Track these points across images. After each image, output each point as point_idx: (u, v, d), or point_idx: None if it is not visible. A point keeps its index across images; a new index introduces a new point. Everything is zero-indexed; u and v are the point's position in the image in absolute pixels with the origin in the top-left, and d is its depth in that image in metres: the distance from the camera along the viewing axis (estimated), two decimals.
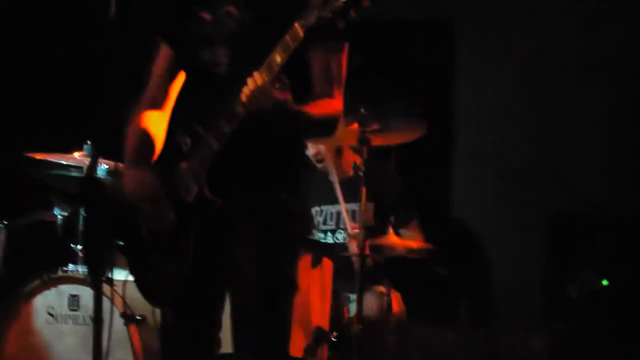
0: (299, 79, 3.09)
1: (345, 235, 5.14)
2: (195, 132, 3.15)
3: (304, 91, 3.16)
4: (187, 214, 3.17)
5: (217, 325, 3.29)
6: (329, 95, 3.20)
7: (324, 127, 3.25)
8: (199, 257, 3.18)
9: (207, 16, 3.22)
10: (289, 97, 3.00)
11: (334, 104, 3.21)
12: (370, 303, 4.97)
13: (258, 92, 2.95)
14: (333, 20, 2.89)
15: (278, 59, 2.95)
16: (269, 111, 3.00)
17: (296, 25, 2.92)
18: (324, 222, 5.27)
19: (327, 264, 4.59)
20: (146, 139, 3.29)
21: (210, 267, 3.21)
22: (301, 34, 2.91)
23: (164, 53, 3.36)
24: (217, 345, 3.31)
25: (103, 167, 4.72)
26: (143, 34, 3.27)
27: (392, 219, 4.92)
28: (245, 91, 2.96)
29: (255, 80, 2.94)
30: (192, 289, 3.22)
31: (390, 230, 4.83)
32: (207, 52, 3.21)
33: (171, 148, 3.26)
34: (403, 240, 4.94)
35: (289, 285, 3.24)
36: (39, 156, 4.85)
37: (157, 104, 3.37)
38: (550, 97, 6.26)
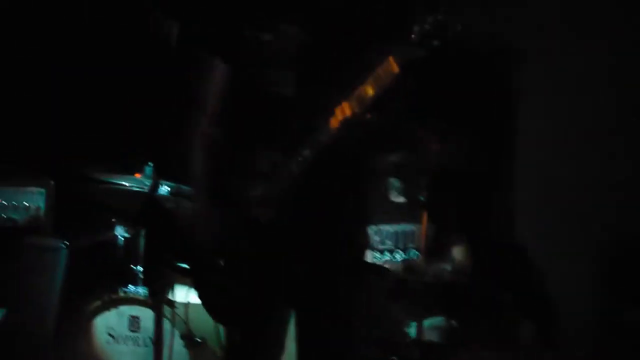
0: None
1: (403, 255, 5.12)
2: (273, 156, 3.13)
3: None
4: (259, 237, 3.15)
5: (281, 347, 3.28)
6: None
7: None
8: (269, 280, 3.16)
9: (265, 36, 3.22)
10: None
11: None
12: (430, 330, 4.93)
13: (349, 124, 2.92)
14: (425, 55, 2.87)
15: (370, 92, 2.90)
16: (358, 138, 2.98)
17: (390, 59, 2.87)
18: (382, 242, 5.24)
19: (382, 287, 4.57)
20: (215, 161, 3.30)
21: (279, 290, 3.20)
22: (396, 69, 2.86)
23: (222, 73, 3.36)
24: None
25: (164, 188, 4.74)
26: (202, 54, 3.26)
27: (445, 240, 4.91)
28: (334, 122, 2.93)
29: (344, 111, 2.90)
30: (257, 309, 3.21)
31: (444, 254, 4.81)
32: (269, 73, 3.20)
33: (246, 170, 3.25)
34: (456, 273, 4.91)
35: (353, 310, 3.22)
36: (100, 176, 4.88)
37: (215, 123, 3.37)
38: (609, 124, 6.18)
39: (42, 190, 4.96)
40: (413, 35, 2.82)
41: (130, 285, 4.77)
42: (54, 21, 5.95)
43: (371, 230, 5.22)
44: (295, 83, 3.15)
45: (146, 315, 4.65)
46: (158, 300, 4.56)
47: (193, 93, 3.30)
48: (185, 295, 4.68)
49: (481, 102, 6.25)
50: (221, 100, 3.36)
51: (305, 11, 3.17)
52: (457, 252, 5.08)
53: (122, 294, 4.74)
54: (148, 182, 4.74)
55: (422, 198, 4.63)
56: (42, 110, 5.91)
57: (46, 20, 5.94)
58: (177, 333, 4.52)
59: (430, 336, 4.89)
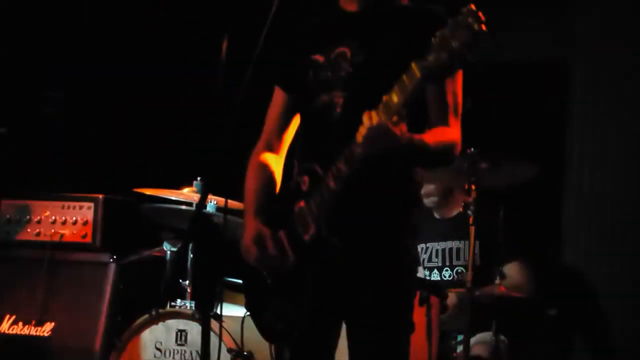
0: (415, 108, 3.05)
1: (452, 272, 5.10)
2: (314, 173, 3.14)
3: (421, 120, 3.15)
4: (305, 254, 3.15)
5: None
6: (444, 123, 3.17)
7: (442, 156, 3.19)
8: (317, 297, 3.16)
9: (321, 59, 3.23)
10: (404, 127, 2.96)
11: (449, 132, 3.16)
12: (478, 345, 4.90)
13: (374, 131, 2.92)
14: (452, 63, 2.85)
15: (395, 99, 2.90)
16: (387, 149, 2.97)
17: (413, 65, 2.88)
18: (429, 260, 5.23)
19: (434, 302, 4.54)
20: (266, 182, 3.32)
21: (327, 308, 3.19)
22: (418, 74, 2.86)
23: (280, 98, 3.39)
24: None
25: (212, 203, 4.76)
26: (260, 78, 3.29)
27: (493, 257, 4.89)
28: (362, 131, 2.94)
29: (371, 120, 2.91)
30: (309, 329, 3.20)
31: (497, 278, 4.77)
32: (324, 96, 3.21)
33: (290, 188, 3.27)
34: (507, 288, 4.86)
35: (408, 327, 3.21)
36: (149, 192, 4.92)
37: (272, 148, 3.40)
38: None
39: (91, 204, 5.00)
40: (434, 41, 2.81)
41: (178, 299, 4.80)
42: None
43: (419, 247, 5.22)
44: (344, 102, 3.17)
45: (193, 329, 4.66)
46: (205, 314, 4.58)
47: (250, 114, 3.32)
48: (233, 309, 4.70)
49: (529, 119, 6.22)
50: (279, 123, 3.40)
51: (359, 35, 3.20)
52: (507, 269, 5.04)
53: (169, 308, 4.77)
54: (196, 197, 4.78)
55: (470, 214, 4.60)
56: (92, 125, 5.97)
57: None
58: (224, 347, 4.53)
59: (478, 351, 4.86)
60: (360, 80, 3.15)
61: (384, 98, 2.91)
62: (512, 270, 5.08)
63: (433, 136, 3.11)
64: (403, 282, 3.21)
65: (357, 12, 3.25)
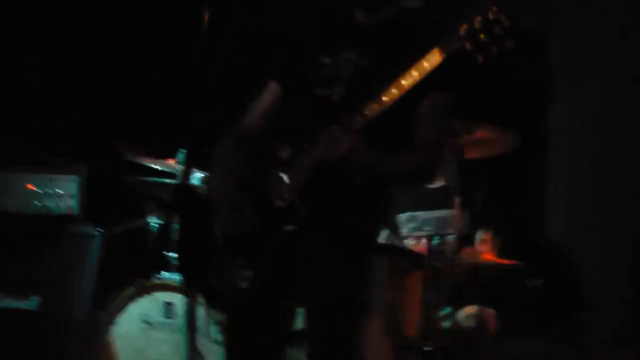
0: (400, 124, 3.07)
1: (440, 241, 5.12)
2: (298, 145, 3.14)
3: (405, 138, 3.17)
4: (272, 218, 3.16)
5: (284, 338, 3.28)
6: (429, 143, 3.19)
7: (415, 177, 3.24)
8: (275, 266, 3.16)
9: (326, 60, 3.24)
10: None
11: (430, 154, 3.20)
12: (464, 317, 4.93)
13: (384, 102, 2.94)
14: (472, 54, 2.86)
15: (410, 80, 2.92)
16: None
17: (436, 50, 2.88)
18: (420, 228, 5.24)
19: (417, 273, 4.55)
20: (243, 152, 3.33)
21: (283, 278, 3.20)
22: (440, 58, 2.87)
23: (274, 91, 3.39)
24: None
25: (197, 175, 4.74)
26: (257, 68, 3.28)
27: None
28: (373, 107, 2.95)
29: (387, 97, 2.93)
30: (261, 298, 3.20)
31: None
32: (323, 90, 3.22)
33: (268, 155, 3.26)
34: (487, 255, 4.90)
35: (359, 311, 3.22)
36: (133, 163, 4.89)
37: (252, 132, 3.39)
38: None
39: (76, 177, 4.96)
40: (462, 31, 2.82)
41: (163, 272, 4.78)
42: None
43: (408, 216, 5.23)
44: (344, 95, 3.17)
45: (180, 302, 4.65)
46: (191, 287, 4.57)
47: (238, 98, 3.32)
48: None
49: (519, 94, 6.23)
50: (265, 114, 3.39)
51: (364, 37, 3.21)
52: (490, 239, 5.07)
53: (156, 281, 4.75)
54: (180, 169, 4.76)
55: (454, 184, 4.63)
56: (75, 95, 5.92)
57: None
58: (211, 319, 4.52)
59: (465, 323, 4.88)
60: (361, 79, 3.16)
61: (399, 78, 2.92)
62: (493, 241, 5.13)
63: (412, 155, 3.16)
64: (359, 266, 3.22)
65: (368, 22, 3.25)
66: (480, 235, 5.17)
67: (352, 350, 3.17)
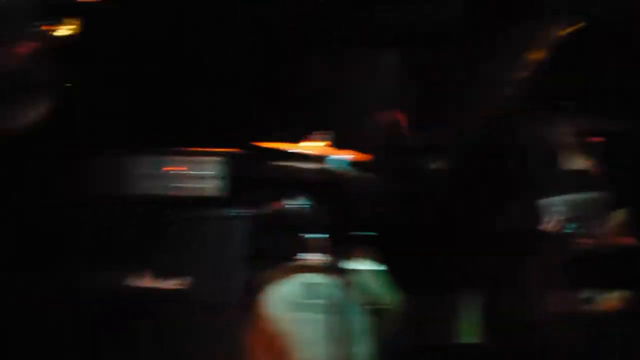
0: None
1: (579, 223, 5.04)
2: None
3: None
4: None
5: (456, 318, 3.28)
6: None
7: None
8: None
9: None
10: None
11: None
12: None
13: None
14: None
15: (535, 57, 2.90)
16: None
17: (552, 28, 2.85)
18: (570, 212, 5.16)
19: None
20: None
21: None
22: (557, 36, 2.85)
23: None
24: None
25: (343, 158, 4.74)
26: None
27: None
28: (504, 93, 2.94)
29: (515, 78, 2.91)
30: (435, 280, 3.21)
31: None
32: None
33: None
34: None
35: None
36: (279, 146, 4.93)
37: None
38: None
39: (219, 159, 5.03)
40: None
41: (308, 254, 4.81)
42: None
43: (559, 200, 5.15)
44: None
45: (325, 283, 4.68)
46: (336, 268, 4.59)
47: None
48: (364, 262, 4.70)
49: None
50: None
51: None
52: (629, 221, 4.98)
53: (300, 262, 4.78)
54: (326, 152, 4.78)
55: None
56: (220, 82, 5.99)
57: None
58: (355, 300, 4.53)
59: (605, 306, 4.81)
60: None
61: (523, 57, 2.89)
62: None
63: None
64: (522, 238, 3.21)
65: None
66: (618, 216, 5.06)
67: None
